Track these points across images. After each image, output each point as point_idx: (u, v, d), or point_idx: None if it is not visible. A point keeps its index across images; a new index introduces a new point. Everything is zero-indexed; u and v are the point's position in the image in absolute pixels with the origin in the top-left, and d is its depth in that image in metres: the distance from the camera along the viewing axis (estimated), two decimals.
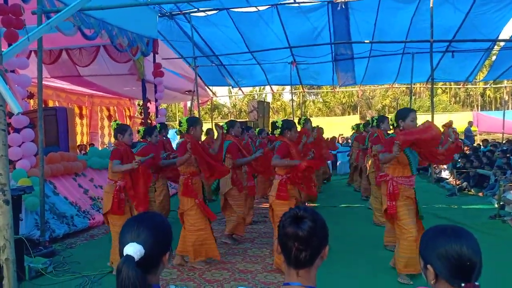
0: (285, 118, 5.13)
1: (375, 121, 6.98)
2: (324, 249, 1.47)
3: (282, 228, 1.45)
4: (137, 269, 1.35)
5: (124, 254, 1.39)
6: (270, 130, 5.25)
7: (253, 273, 4.77)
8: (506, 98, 18.92)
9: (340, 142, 15.97)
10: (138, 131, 6.70)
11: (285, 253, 1.45)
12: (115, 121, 5.77)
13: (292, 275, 1.46)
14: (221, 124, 6.05)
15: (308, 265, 1.44)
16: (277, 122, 4.91)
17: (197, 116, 14.26)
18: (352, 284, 4.39)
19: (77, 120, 14.61)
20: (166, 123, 10.43)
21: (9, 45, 5.49)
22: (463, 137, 15.02)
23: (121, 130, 4.95)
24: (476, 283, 1.41)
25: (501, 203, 7.06)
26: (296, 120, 6.09)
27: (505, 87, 18.28)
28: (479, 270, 1.44)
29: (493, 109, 33.55)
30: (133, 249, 1.39)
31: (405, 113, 4.35)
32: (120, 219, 4.79)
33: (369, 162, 7.27)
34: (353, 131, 12.19)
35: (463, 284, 1.40)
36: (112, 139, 8.38)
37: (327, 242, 1.48)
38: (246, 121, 14.61)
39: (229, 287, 4.39)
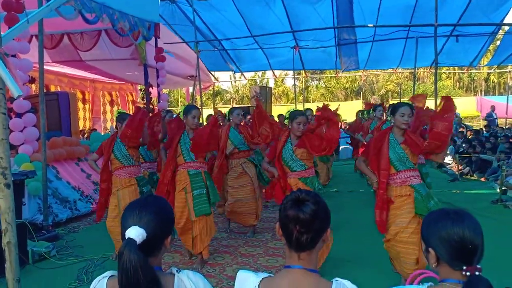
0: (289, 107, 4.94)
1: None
2: (326, 233, 1.46)
3: (283, 210, 1.44)
4: (139, 252, 1.34)
5: (126, 237, 1.39)
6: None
7: (255, 257, 4.80)
8: (510, 83, 18.65)
9: (343, 128, 15.91)
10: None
11: (286, 236, 1.45)
12: (118, 109, 5.75)
13: (294, 258, 1.46)
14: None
15: (309, 248, 1.43)
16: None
17: (199, 101, 14.24)
18: (358, 268, 4.38)
19: (80, 105, 14.58)
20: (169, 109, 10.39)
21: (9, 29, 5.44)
22: (465, 122, 14.98)
23: (120, 119, 4.90)
24: (478, 266, 1.40)
25: (503, 188, 7.05)
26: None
27: (509, 72, 18.07)
28: (481, 253, 1.43)
29: (496, 94, 33.29)
30: (135, 232, 1.39)
31: (395, 108, 3.95)
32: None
33: None
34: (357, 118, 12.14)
35: (464, 267, 1.39)
36: (115, 124, 8.39)
37: (329, 225, 1.47)
38: (249, 106, 14.56)
39: (231, 270, 4.42)
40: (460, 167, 9.88)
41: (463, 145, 11.25)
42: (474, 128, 16.13)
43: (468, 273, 1.38)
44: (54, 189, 6.73)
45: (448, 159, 11.08)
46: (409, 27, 12.07)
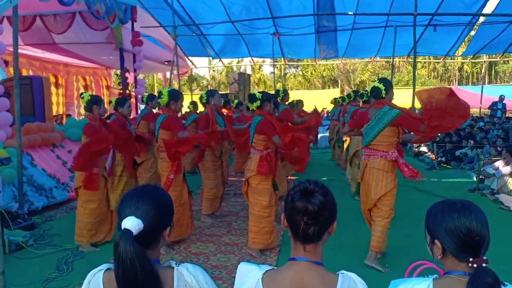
0: (264, 91, 4.85)
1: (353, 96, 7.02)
2: (332, 225, 1.42)
3: (291, 202, 1.39)
4: (135, 244, 1.27)
5: (122, 228, 1.31)
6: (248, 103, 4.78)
7: (239, 246, 4.77)
8: (484, 73, 19.12)
9: (325, 115, 15.97)
10: (110, 102, 6.38)
11: (293, 227, 1.40)
12: (85, 92, 5.54)
13: (299, 250, 1.41)
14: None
15: (315, 240, 1.39)
16: (255, 94, 4.64)
17: (177, 87, 14.02)
18: (339, 255, 4.41)
19: (53, 89, 14.15)
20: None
21: None
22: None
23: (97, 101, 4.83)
24: (485, 258, 1.39)
25: (480, 177, 7.20)
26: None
27: (484, 62, 18.47)
28: (487, 245, 1.42)
29: (470, 84, 34.06)
30: (132, 223, 1.32)
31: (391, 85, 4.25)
32: (95, 195, 4.69)
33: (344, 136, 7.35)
34: (333, 105, 12.19)
35: (471, 259, 1.37)
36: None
37: (335, 217, 1.43)
38: (227, 93, 14.42)
39: (215, 259, 4.37)
40: (437, 156, 10.05)
41: (438, 134, 11.45)
42: None
43: (475, 265, 1.36)
44: (29, 176, 6.51)
45: (425, 148, 11.27)
46: (388, 15, 12.13)
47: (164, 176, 4.62)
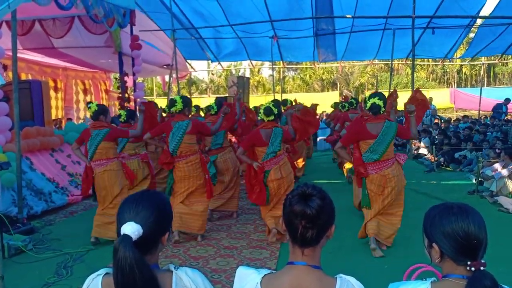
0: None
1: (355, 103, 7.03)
2: (330, 228, 1.42)
3: (289, 206, 1.39)
4: (134, 249, 1.27)
5: (121, 234, 1.31)
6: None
7: (238, 249, 4.76)
8: (482, 75, 19.18)
9: (325, 118, 15.94)
10: (120, 115, 6.32)
11: (291, 231, 1.40)
12: (91, 102, 5.63)
13: (297, 254, 1.41)
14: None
15: (314, 244, 1.40)
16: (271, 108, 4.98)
17: (176, 90, 14.03)
18: (337, 258, 4.39)
19: (52, 93, 14.14)
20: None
21: None
22: (440, 114, 15.11)
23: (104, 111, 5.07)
24: (482, 261, 1.39)
25: (479, 179, 7.19)
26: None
27: (483, 64, 18.50)
28: (485, 248, 1.42)
29: (468, 86, 34.03)
30: (131, 229, 1.32)
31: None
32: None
33: None
34: (333, 109, 12.19)
35: (469, 262, 1.38)
36: (88, 114, 8.18)
37: (333, 221, 1.44)
38: (226, 96, 14.42)
39: (214, 263, 4.37)
40: (436, 158, 10.05)
41: (437, 137, 11.46)
42: (446, 118, 16.36)
43: (473, 268, 1.36)
44: (28, 180, 6.50)
45: (424, 150, 11.27)
46: (386, 18, 12.16)
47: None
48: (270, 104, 5.06)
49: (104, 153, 4.92)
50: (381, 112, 4.41)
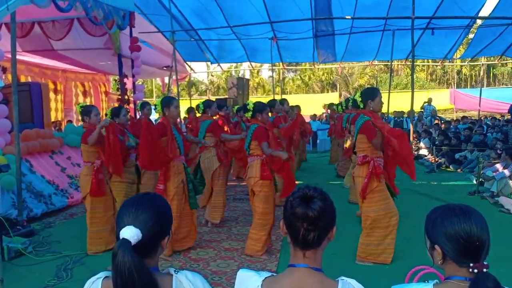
0: (258, 100, 4.91)
1: (351, 101, 6.98)
2: (332, 230, 1.41)
3: (290, 208, 1.38)
4: (133, 254, 1.26)
5: (120, 238, 1.30)
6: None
7: (239, 251, 4.75)
8: (482, 75, 19.16)
9: (324, 119, 15.95)
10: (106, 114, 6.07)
11: (292, 234, 1.39)
12: (78, 104, 5.52)
13: (299, 257, 1.40)
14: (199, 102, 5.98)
15: (315, 246, 1.39)
16: (248, 104, 4.78)
17: (175, 92, 14.02)
18: (339, 260, 4.39)
19: (51, 95, 14.14)
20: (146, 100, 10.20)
21: None
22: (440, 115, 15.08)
23: (86, 112, 4.81)
24: (485, 263, 1.38)
25: (480, 180, 7.19)
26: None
27: (482, 64, 18.51)
28: (487, 249, 1.41)
29: (468, 86, 34.02)
30: (130, 233, 1.30)
31: (374, 93, 4.27)
32: (101, 202, 4.69)
33: (348, 142, 7.28)
34: (330, 111, 12.19)
35: (472, 264, 1.37)
36: None
37: (335, 222, 1.43)
38: (226, 98, 14.42)
39: (215, 265, 4.36)
40: (436, 159, 10.05)
41: (438, 138, 11.45)
42: (447, 119, 16.36)
43: (475, 270, 1.35)
44: (28, 183, 6.49)
45: (424, 151, 11.27)
46: (386, 19, 12.15)
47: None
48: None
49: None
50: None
